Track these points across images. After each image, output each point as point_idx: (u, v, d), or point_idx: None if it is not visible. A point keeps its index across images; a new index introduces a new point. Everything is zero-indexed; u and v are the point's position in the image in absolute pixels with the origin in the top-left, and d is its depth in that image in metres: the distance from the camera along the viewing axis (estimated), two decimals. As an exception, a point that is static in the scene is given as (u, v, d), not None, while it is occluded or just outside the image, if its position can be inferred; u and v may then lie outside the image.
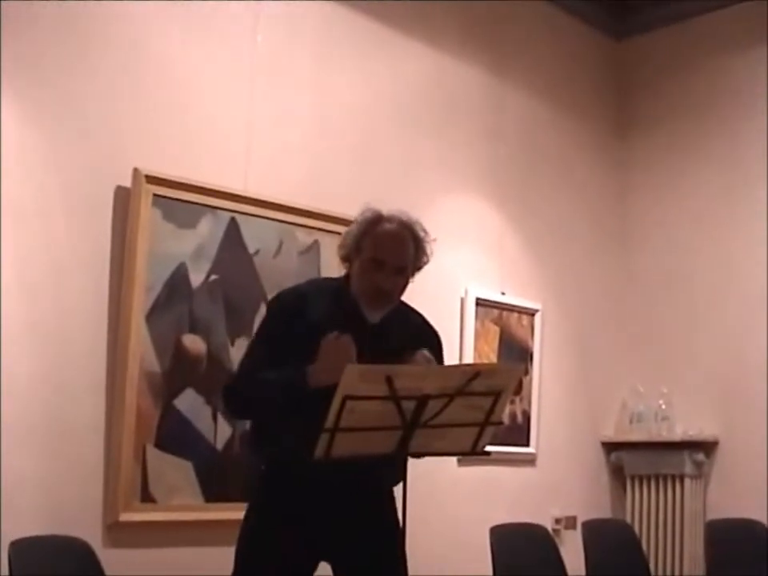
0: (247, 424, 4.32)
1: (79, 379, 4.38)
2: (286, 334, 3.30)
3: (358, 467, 3.03)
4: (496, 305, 6.25)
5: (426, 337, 3.48)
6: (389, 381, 2.81)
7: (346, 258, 3.42)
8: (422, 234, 3.39)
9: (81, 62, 4.50)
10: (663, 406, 6.72)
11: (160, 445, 4.57)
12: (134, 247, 4.51)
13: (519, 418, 6.30)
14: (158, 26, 4.79)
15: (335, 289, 3.44)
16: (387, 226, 3.35)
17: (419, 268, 3.42)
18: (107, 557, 4.05)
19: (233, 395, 3.39)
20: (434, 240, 3.43)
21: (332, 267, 5.05)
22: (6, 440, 4.10)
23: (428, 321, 3.57)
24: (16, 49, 4.27)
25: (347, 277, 3.42)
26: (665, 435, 6.67)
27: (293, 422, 3.12)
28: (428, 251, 3.41)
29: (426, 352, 3.21)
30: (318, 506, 3.25)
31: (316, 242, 5.21)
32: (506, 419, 5.92)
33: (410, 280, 3.42)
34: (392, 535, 3.24)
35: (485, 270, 6.26)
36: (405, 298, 3.50)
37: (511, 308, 6.35)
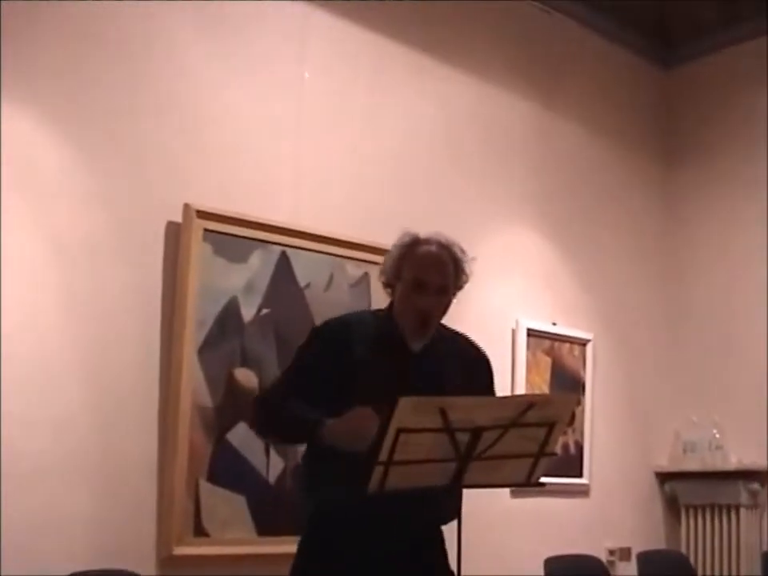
0: (298, 457, 4.32)
1: (132, 414, 4.41)
2: (325, 363, 3.28)
3: (409, 505, 3.00)
4: (547, 335, 6.23)
5: (474, 363, 3.46)
6: (443, 413, 2.78)
7: (387, 284, 3.42)
8: (460, 253, 3.36)
9: (131, 97, 4.56)
10: (717, 435, 6.66)
11: (213, 479, 4.58)
12: (185, 282, 4.54)
13: (572, 448, 6.26)
14: (207, 61, 4.84)
15: (379, 318, 3.44)
16: (426, 247, 3.34)
17: (460, 287, 3.39)
18: (161, 591, 4.08)
19: (260, 410, 3.43)
20: (473, 259, 3.40)
21: (383, 299, 5.01)
22: (61, 474, 4.13)
23: (475, 344, 3.52)
24: (61, 84, 4.34)
25: (391, 305, 3.41)
26: (719, 465, 6.60)
27: (344, 466, 3.07)
28: (467, 270, 3.38)
29: None
30: (366, 549, 3.20)
31: (366, 274, 5.20)
32: (558, 450, 5.87)
33: (452, 300, 3.39)
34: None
35: (535, 300, 6.24)
36: (457, 329, 3.51)
37: (563, 338, 6.33)
